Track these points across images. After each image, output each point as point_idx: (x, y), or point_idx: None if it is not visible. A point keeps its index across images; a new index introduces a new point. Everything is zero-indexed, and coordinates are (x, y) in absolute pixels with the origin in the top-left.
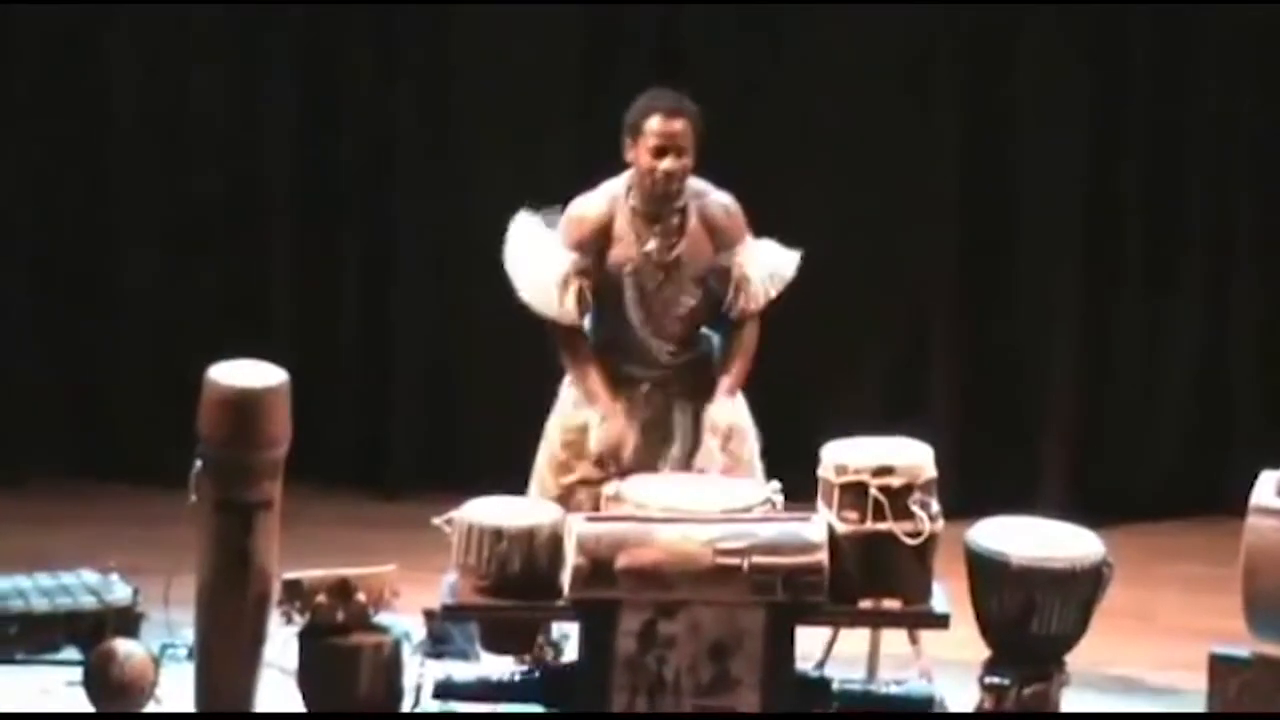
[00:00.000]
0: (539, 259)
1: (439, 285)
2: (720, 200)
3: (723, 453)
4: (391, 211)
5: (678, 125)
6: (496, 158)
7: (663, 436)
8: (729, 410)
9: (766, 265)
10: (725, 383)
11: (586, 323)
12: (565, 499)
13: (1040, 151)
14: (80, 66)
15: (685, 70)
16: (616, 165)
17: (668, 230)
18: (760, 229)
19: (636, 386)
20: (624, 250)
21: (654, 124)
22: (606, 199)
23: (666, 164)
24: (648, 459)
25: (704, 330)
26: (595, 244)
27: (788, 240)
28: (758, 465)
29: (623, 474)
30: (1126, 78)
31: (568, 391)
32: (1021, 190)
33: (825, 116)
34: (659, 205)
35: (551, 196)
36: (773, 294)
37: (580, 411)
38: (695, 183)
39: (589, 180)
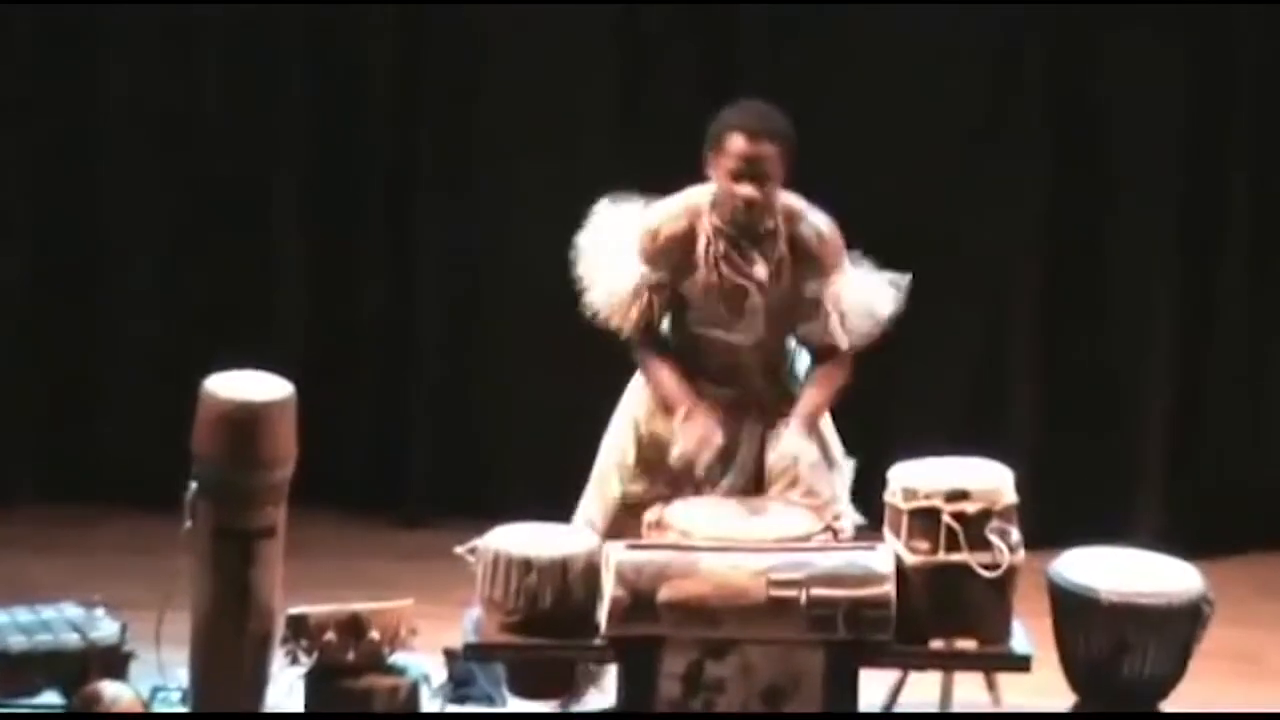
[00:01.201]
0: (611, 264)
1: (464, 294)
2: (815, 224)
3: (787, 479)
4: (412, 215)
5: (764, 150)
6: (526, 157)
7: (726, 464)
8: (796, 438)
9: (863, 302)
10: (798, 417)
11: (664, 326)
12: (629, 511)
13: (1134, 150)
14: (77, 64)
15: (735, 74)
16: (655, 170)
17: (753, 255)
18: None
19: (720, 406)
20: (702, 270)
21: (736, 144)
22: (686, 213)
23: (745, 191)
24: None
25: (790, 352)
26: (668, 260)
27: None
28: (846, 506)
29: (698, 487)
30: (1228, 73)
31: (641, 393)
32: (1113, 191)
33: (895, 117)
34: (740, 228)
35: (587, 198)
36: (874, 333)
37: (659, 418)
38: (789, 200)
39: (627, 185)
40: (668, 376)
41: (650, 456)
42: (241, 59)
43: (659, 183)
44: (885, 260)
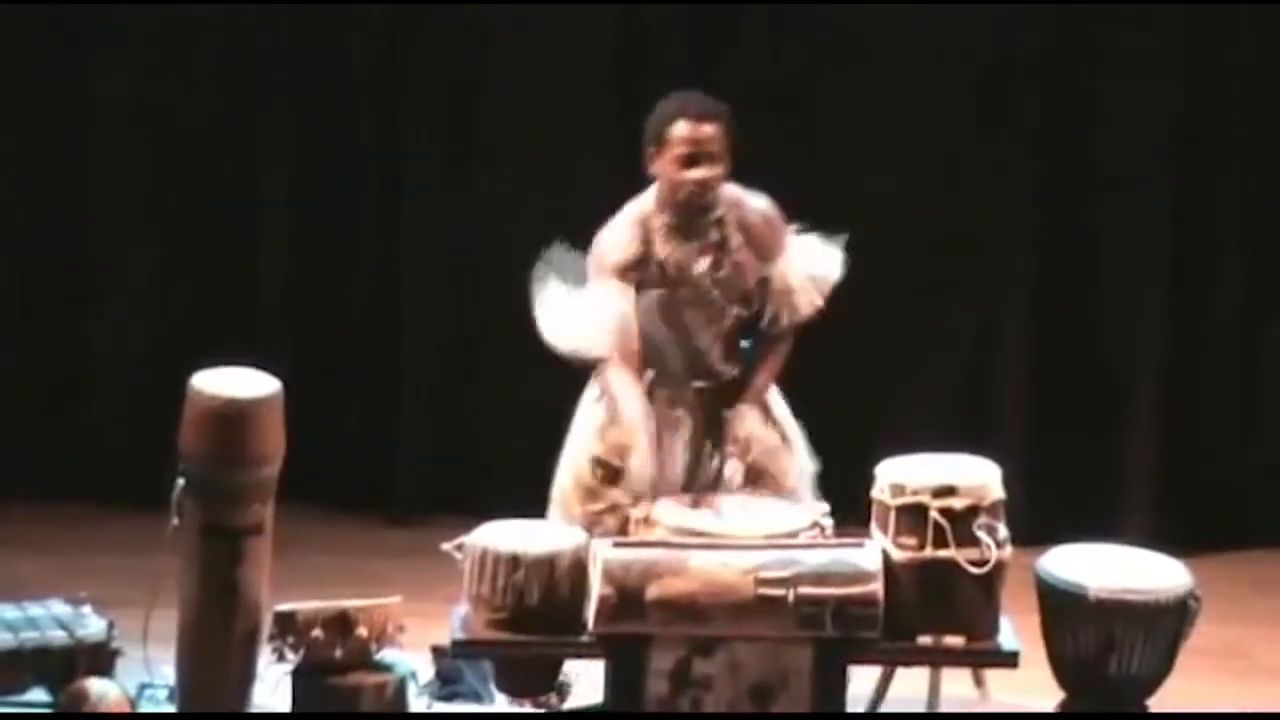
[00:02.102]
0: (580, 304)
1: (452, 290)
2: (758, 207)
3: (745, 463)
4: (400, 211)
5: (708, 130)
6: (515, 157)
7: (696, 458)
8: (750, 420)
9: (807, 271)
10: (749, 397)
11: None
12: (590, 525)
13: (1124, 152)
14: (69, 65)
15: (729, 73)
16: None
17: (707, 246)
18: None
19: (672, 409)
20: (663, 271)
21: (681, 130)
22: (632, 227)
23: (698, 173)
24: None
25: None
26: (635, 273)
27: (845, 242)
28: (805, 486)
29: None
30: (1223, 73)
31: (595, 407)
32: (1106, 193)
33: (885, 113)
34: (692, 218)
35: (581, 198)
36: (818, 302)
37: (613, 428)
38: (730, 190)
39: (622, 188)
40: (631, 394)
41: (610, 475)
42: (231, 59)
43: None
44: (876, 255)
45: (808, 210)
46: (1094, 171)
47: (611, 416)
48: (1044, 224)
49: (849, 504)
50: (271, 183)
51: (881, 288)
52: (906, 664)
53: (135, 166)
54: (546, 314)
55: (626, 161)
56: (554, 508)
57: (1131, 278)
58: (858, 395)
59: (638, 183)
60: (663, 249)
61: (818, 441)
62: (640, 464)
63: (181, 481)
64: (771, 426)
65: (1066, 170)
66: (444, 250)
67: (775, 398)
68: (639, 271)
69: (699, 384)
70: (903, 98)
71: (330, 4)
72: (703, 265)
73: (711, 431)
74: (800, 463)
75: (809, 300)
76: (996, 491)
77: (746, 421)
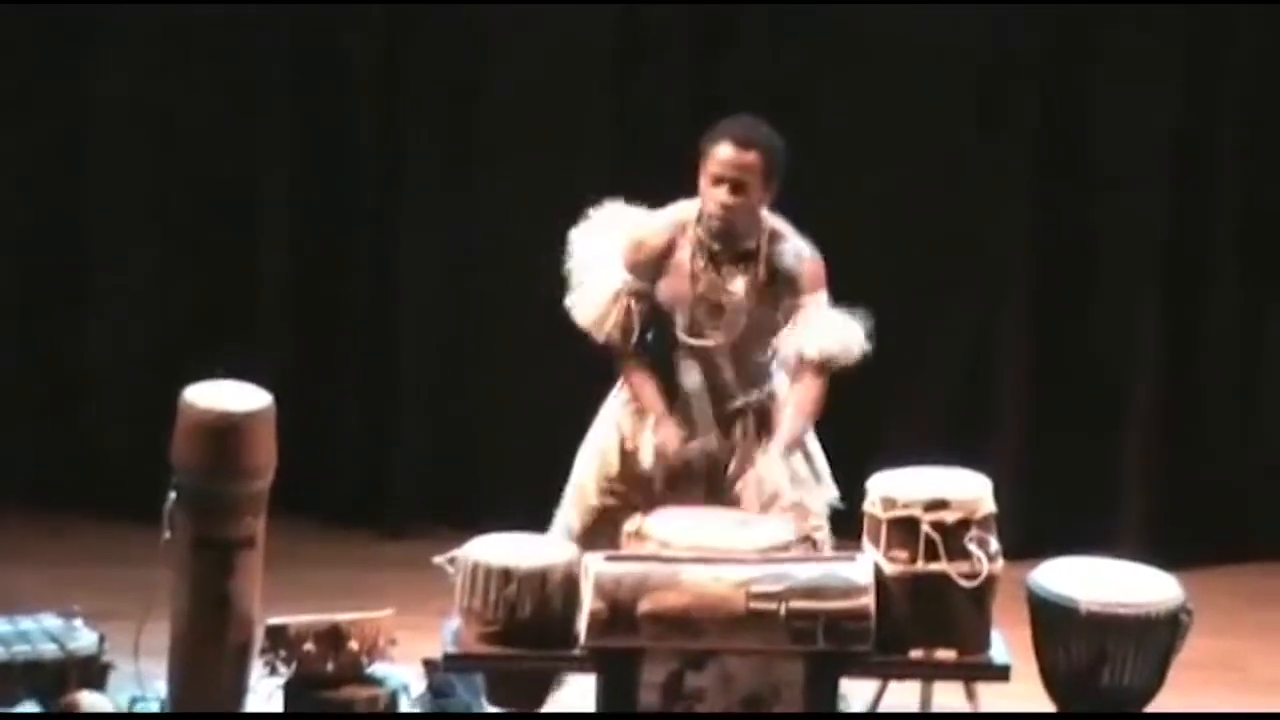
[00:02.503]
0: (597, 269)
1: (450, 298)
2: (795, 247)
3: (761, 502)
4: (399, 217)
5: (747, 158)
6: (515, 157)
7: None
8: (777, 472)
9: (836, 326)
10: (779, 441)
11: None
12: (604, 519)
13: (1123, 153)
14: (68, 65)
15: (726, 77)
16: (652, 172)
17: (731, 272)
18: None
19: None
20: (680, 283)
21: (721, 151)
22: (670, 226)
23: (721, 196)
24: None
25: (771, 369)
26: (650, 271)
27: (841, 254)
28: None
29: (671, 487)
30: (1220, 74)
31: (622, 403)
32: (1101, 187)
33: (885, 113)
34: (718, 241)
35: (580, 202)
36: (837, 356)
37: (640, 423)
38: (775, 223)
39: (619, 188)
40: (644, 383)
41: (633, 466)
42: (229, 60)
43: (655, 184)
44: (876, 262)
45: (808, 211)
46: (1093, 172)
47: (633, 408)
48: (1043, 224)
49: (841, 518)
50: (271, 183)
51: (881, 288)
52: (898, 677)
53: (135, 166)
54: (573, 268)
55: (626, 161)
56: (568, 498)
57: (1130, 278)
58: (848, 407)
59: (638, 183)
60: (686, 261)
61: None
62: (658, 440)
63: (174, 494)
64: (802, 460)
65: (1066, 171)
66: (439, 261)
67: (809, 438)
68: (661, 266)
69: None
70: (903, 98)
71: (330, 4)
72: (735, 288)
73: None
74: (826, 498)
75: (832, 349)
76: (988, 505)
77: (773, 471)
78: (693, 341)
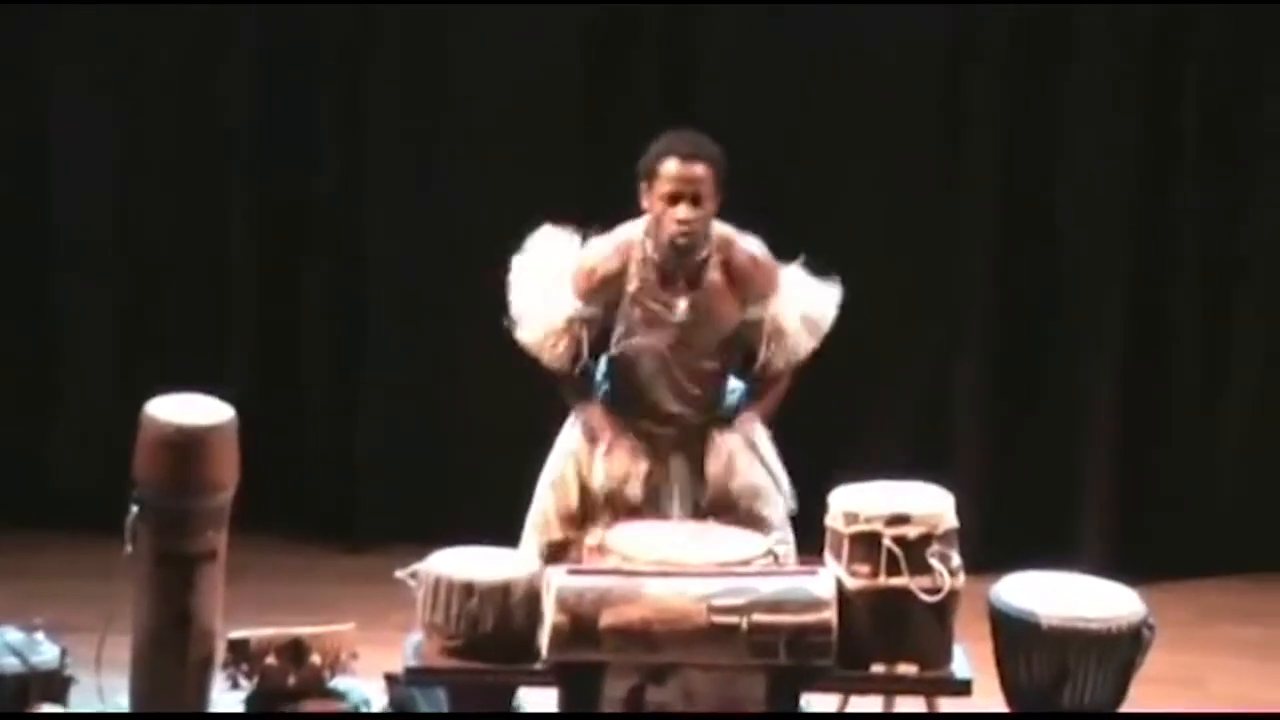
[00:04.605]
0: (544, 297)
1: (415, 312)
2: (747, 249)
3: (728, 487)
4: (363, 232)
5: (697, 170)
6: (484, 173)
7: (658, 494)
8: (735, 448)
9: (801, 314)
10: (741, 420)
11: (601, 366)
12: (566, 553)
13: (1086, 170)
14: (28, 75)
15: (698, 83)
16: (620, 187)
17: (685, 286)
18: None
19: (652, 441)
20: (635, 306)
21: (669, 168)
22: (617, 250)
23: (681, 212)
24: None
25: (730, 384)
26: (602, 298)
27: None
28: (786, 529)
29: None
30: (1180, 103)
31: (578, 436)
32: (1063, 215)
33: (849, 133)
34: (676, 257)
35: (545, 213)
36: (813, 345)
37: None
38: (720, 229)
39: (591, 201)
40: (592, 411)
41: (592, 498)
42: (193, 74)
43: (623, 194)
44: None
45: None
46: (1053, 206)
47: (583, 435)
48: (1001, 251)
49: (803, 532)
50: (236, 197)
51: (844, 303)
52: (860, 692)
53: (100, 188)
54: (516, 298)
55: (596, 170)
56: (529, 533)
57: (1090, 307)
58: (815, 423)
59: (609, 194)
60: (638, 282)
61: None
62: (607, 467)
63: (135, 508)
64: (757, 465)
65: (1024, 206)
66: (409, 265)
67: (763, 438)
68: (605, 291)
69: (677, 423)
70: (861, 113)
71: (292, 35)
72: (681, 308)
73: (681, 472)
74: (783, 505)
75: (803, 343)
76: (950, 520)
77: (729, 447)
78: (628, 343)
